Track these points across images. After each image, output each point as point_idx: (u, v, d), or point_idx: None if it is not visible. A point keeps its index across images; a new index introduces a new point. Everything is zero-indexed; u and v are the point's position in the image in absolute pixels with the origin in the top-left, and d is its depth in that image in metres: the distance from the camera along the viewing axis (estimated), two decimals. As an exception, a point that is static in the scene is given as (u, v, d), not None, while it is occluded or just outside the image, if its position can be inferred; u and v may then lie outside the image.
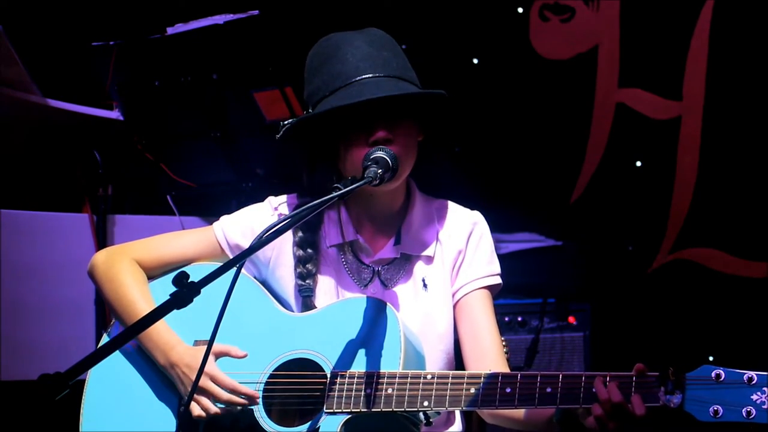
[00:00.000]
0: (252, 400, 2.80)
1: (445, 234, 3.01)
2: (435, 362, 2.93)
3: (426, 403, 2.69)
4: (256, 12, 4.82)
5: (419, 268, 2.99)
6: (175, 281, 2.37)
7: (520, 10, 6.03)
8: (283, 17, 5.58)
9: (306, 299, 2.94)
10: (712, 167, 5.81)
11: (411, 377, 2.71)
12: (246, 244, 2.92)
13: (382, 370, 2.72)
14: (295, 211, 2.63)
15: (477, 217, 3.05)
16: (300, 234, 2.98)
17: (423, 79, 2.94)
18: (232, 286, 2.51)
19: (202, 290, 2.39)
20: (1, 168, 4.99)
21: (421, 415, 2.76)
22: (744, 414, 2.45)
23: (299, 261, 2.97)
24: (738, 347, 5.55)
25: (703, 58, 5.79)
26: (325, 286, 2.96)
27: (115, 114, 5.05)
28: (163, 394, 2.91)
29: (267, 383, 2.82)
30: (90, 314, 4.80)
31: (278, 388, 2.82)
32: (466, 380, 2.68)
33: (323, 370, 2.78)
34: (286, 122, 2.88)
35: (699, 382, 2.48)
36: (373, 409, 2.71)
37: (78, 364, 2.21)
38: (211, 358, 2.83)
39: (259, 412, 2.80)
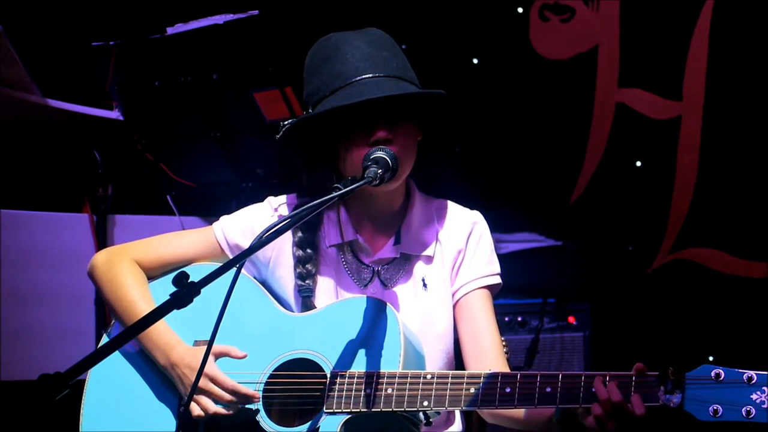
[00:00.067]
0: (251, 400, 2.80)
1: (445, 234, 3.01)
2: (435, 362, 2.93)
3: (426, 403, 2.69)
4: (256, 12, 4.82)
5: (419, 268, 2.99)
6: (175, 281, 2.37)
7: (520, 10, 6.04)
8: (283, 17, 5.58)
9: (306, 299, 2.94)
10: (712, 167, 5.82)
11: (411, 377, 2.71)
12: (246, 245, 2.92)
13: (381, 370, 2.72)
14: (295, 212, 2.63)
15: (477, 216, 3.05)
16: (299, 234, 2.98)
17: (423, 79, 2.94)
18: (232, 286, 2.51)
19: (202, 290, 2.39)
20: (1, 168, 5.00)
21: (421, 415, 2.76)
22: (744, 413, 2.45)
23: (299, 261, 2.97)
24: (738, 347, 5.55)
25: (703, 58, 5.80)
26: (325, 286, 2.96)
27: (115, 114, 5.05)
28: (163, 395, 2.91)
29: (267, 383, 2.82)
30: (90, 314, 4.80)
31: (278, 388, 2.82)
32: (465, 380, 2.68)
33: (323, 370, 2.78)
34: (286, 122, 2.88)
35: (698, 382, 2.48)
36: (372, 409, 2.71)
37: (78, 364, 2.21)
38: (210, 358, 2.83)
39: (259, 412, 2.80)
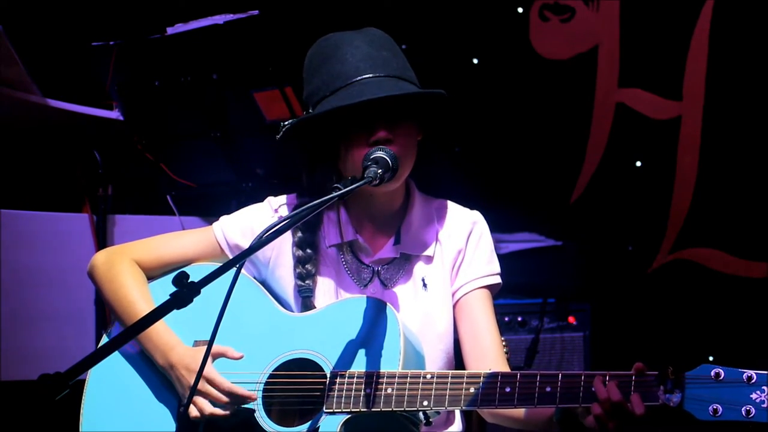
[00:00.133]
0: (248, 401, 2.80)
1: (445, 234, 3.01)
2: (434, 362, 2.94)
3: (425, 403, 2.69)
4: (256, 12, 4.81)
5: (419, 267, 2.99)
6: (175, 281, 2.37)
7: (520, 10, 6.03)
8: (283, 17, 5.58)
9: (305, 299, 2.94)
10: (712, 167, 5.82)
11: (410, 377, 2.71)
12: (246, 245, 2.92)
13: (381, 370, 2.73)
14: (295, 212, 2.63)
15: (476, 216, 3.05)
16: (299, 234, 2.98)
17: (423, 79, 2.94)
18: (232, 286, 2.51)
19: (202, 290, 2.39)
20: (1, 168, 5.00)
21: (421, 414, 2.77)
22: (743, 413, 2.45)
23: (299, 261, 2.97)
24: (738, 347, 5.55)
25: (703, 58, 5.80)
26: (325, 287, 2.96)
27: (115, 114, 5.05)
28: (162, 395, 2.91)
29: (267, 383, 2.82)
30: (90, 314, 4.80)
31: (278, 388, 2.82)
32: (465, 380, 2.68)
33: (323, 370, 2.78)
34: (286, 122, 2.88)
35: (698, 381, 2.48)
36: (372, 409, 2.71)
37: (78, 364, 2.21)
38: (208, 359, 2.83)
39: (259, 412, 2.80)
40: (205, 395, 2.81)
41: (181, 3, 5.41)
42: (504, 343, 3.06)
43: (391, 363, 2.73)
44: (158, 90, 4.98)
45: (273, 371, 2.83)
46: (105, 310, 4.64)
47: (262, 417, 2.79)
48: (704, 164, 5.81)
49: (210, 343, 2.55)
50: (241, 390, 2.80)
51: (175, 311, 2.37)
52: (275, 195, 3.07)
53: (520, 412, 2.81)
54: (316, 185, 2.96)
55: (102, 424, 2.91)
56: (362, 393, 2.71)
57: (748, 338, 5.54)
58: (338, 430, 2.71)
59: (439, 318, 2.97)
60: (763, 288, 5.65)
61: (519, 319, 5.47)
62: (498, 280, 3.02)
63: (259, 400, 2.81)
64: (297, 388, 2.80)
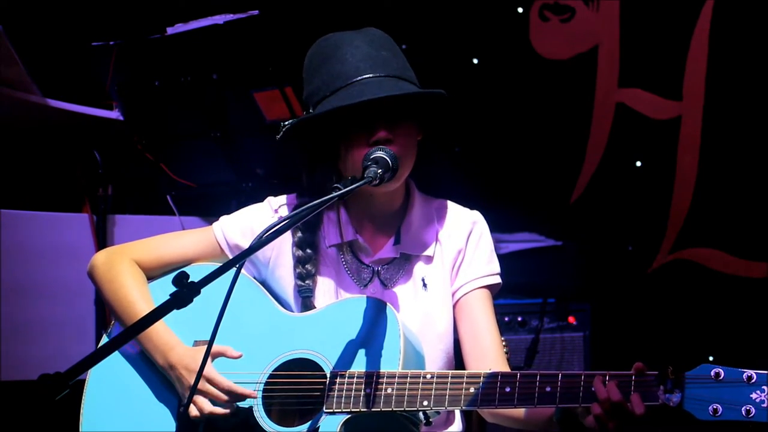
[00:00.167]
0: (249, 400, 2.80)
1: (445, 234, 3.01)
2: (434, 362, 2.93)
3: (425, 403, 2.69)
4: (256, 12, 4.82)
5: (419, 267, 2.99)
6: (175, 281, 2.37)
7: (520, 10, 6.03)
8: (283, 17, 5.58)
9: (305, 299, 2.94)
10: (712, 167, 5.82)
11: (410, 377, 2.71)
12: (245, 245, 2.92)
13: (381, 370, 2.73)
14: (295, 212, 2.63)
15: (476, 216, 3.05)
16: (299, 234, 2.98)
17: (423, 79, 2.94)
18: (232, 286, 2.51)
19: (202, 290, 2.39)
20: (1, 168, 5.00)
21: (421, 414, 2.77)
22: (743, 412, 2.45)
23: (298, 261, 2.97)
24: (738, 347, 5.55)
25: (703, 58, 5.80)
26: (325, 287, 2.96)
27: (115, 114, 5.05)
28: (162, 395, 2.91)
29: (267, 383, 2.82)
30: (90, 315, 4.80)
31: (278, 388, 2.82)
32: (465, 380, 2.68)
33: (323, 370, 2.78)
34: (286, 123, 2.88)
35: (698, 381, 2.48)
36: (372, 409, 2.71)
37: (78, 364, 2.21)
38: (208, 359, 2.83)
39: (259, 412, 2.80)
40: (205, 394, 2.81)
41: (181, 3, 5.41)
42: (504, 343, 3.06)
43: (391, 363, 2.73)
44: (158, 90, 4.98)
45: (273, 371, 2.83)
46: (105, 310, 4.64)
47: (262, 417, 2.79)
48: (704, 164, 5.81)
49: (210, 343, 2.55)
50: (241, 389, 2.80)
51: (175, 311, 2.37)
52: (275, 195, 3.07)
53: (520, 412, 2.81)
54: (316, 185, 2.96)
55: (102, 424, 2.91)
56: (362, 393, 2.71)
57: (748, 338, 5.54)
58: (338, 430, 2.71)
59: (439, 318, 2.97)
60: (763, 288, 5.65)
61: (519, 319, 5.47)
62: (498, 280, 3.02)
63: (259, 400, 2.81)
64: (297, 388, 2.80)
